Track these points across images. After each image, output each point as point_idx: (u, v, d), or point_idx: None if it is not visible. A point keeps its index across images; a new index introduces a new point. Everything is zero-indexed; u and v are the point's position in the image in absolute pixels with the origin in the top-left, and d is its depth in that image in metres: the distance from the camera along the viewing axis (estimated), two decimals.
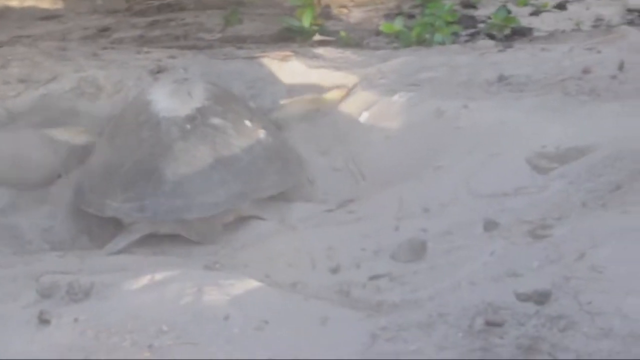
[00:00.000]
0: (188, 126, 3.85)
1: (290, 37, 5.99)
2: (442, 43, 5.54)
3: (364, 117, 4.41)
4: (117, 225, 3.82)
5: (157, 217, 3.71)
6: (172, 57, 5.21)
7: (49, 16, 6.70)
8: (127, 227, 3.78)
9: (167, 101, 3.92)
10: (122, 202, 3.73)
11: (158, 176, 3.73)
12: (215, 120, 3.92)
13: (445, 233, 3.27)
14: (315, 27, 6.01)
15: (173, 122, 3.85)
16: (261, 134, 4.07)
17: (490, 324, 2.52)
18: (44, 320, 2.64)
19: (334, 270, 3.19)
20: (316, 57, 5.07)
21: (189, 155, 3.78)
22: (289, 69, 4.95)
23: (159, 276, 2.88)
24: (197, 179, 3.75)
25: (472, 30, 5.99)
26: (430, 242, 3.22)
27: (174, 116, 3.86)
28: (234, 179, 3.82)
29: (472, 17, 6.23)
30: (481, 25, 6.11)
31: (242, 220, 3.83)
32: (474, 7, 6.44)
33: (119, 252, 3.67)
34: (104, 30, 6.38)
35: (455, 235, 3.24)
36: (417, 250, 3.20)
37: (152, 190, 3.71)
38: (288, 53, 5.12)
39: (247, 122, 4.06)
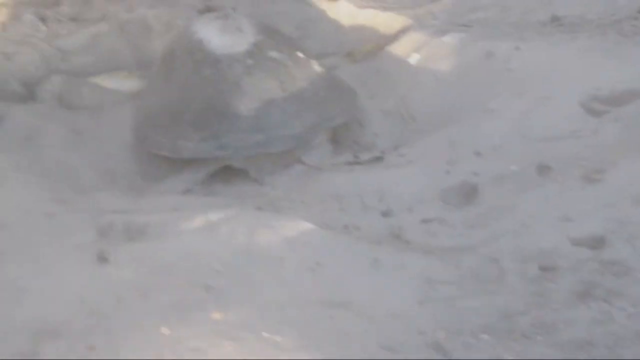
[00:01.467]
0: (249, 61, 3.85)
1: None
2: None
3: (413, 58, 4.37)
4: (171, 165, 3.84)
5: (239, 153, 3.72)
6: None
7: None
8: (189, 165, 3.80)
9: (220, 38, 3.90)
10: (198, 141, 3.72)
11: (232, 113, 3.74)
12: (273, 53, 3.91)
13: (497, 177, 3.25)
14: None
15: (234, 58, 3.84)
16: (315, 65, 4.07)
17: (543, 269, 2.52)
18: (102, 258, 2.69)
19: (385, 214, 3.20)
20: None
21: (257, 90, 3.78)
22: (338, 9, 4.91)
23: (213, 217, 2.91)
24: (272, 113, 3.75)
25: None
26: (482, 186, 3.21)
27: (233, 52, 3.86)
28: (306, 111, 3.83)
29: None
30: None
31: (291, 163, 3.85)
32: None
33: (188, 190, 3.70)
34: None
35: (507, 180, 3.22)
36: (468, 194, 3.19)
37: (228, 127, 3.72)
38: None
39: (300, 54, 4.06)
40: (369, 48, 4.58)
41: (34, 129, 4.07)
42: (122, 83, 4.52)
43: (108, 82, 4.52)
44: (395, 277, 2.62)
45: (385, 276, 2.64)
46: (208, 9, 4.70)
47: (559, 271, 2.49)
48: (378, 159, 3.75)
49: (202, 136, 3.74)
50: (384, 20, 4.74)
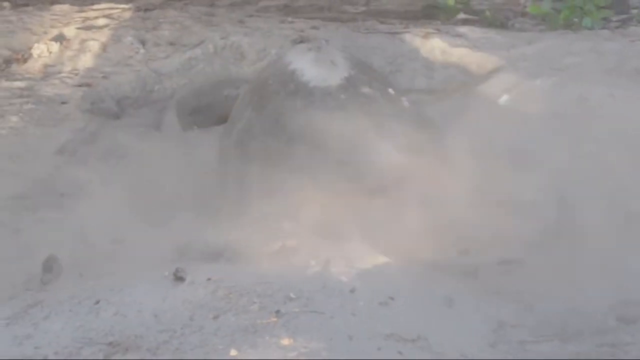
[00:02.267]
0: (342, 96, 3.89)
1: (434, 14, 5.92)
2: (591, 28, 5.37)
3: (503, 99, 4.34)
4: (254, 190, 3.88)
5: None
6: (315, 27, 5.26)
7: None
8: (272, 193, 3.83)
9: (314, 70, 3.95)
10: (287, 172, 3.78)
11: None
12: (365, 89, 3.94)
13: (582, 223, 3.19)
14: (459, 5, 5.93)
15: (327, 91, 3.88)
16: (404, 101, 4.08)
17: (621, 320, 2.46)
18: (178, 278, 2.73)
19: (463, 252, 3.17)
20: (459, 35, 5.01)
21: (349, 125, 3.82)
22: (431, 46, 4.92)
23: (289, 243, 2.93)
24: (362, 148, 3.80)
25: (624, 16, 5.77)
26: (565, 230, 3.15)
27: (327, 86, 3.90)
28: (394, 149, 3.85)
29: (625, 2, 5.99)
30: (634, 11, 5.87)
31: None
32: None
33: (265, 217, 3.74)
34: None
35: (592, 226, 3.16)
36: (549, 237, 3.14)
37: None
38: (431, 30, 5.08)
39: (390, 90, 4.08)
40: (459, 87, 4.57)
41: (125, 146, 4.19)
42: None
43: None
44: (468, 317, 2.59)
45: (458, 315, 2.61)
46: (302, 40, 4.78)
47: (638, 324, 2.42)
48: None
49: (291, 167, 3.78)
50: (476, 60, 4.72)
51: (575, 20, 5.45)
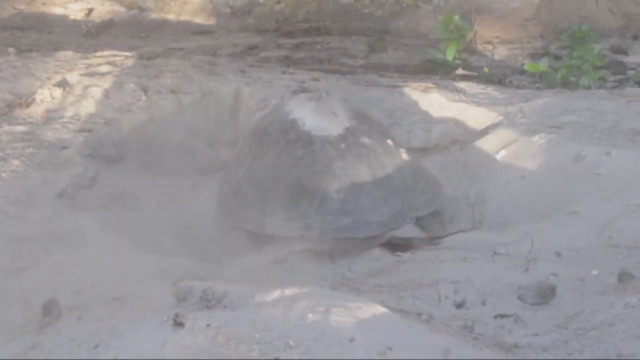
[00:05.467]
0: (343, 145, 3.93)
1: (433, 69, 6.02)
2: (588, 87, 5.46)
3: (500, 154, 4.39)
4: (253, 239, 3.91)
5: (325, 236, 3.78)
6: (316, 79, 5.34)
7: (201, 31, 6.97)
8: (272, 242, 3.85)
9: (314, 120, 4.00)
10: (285, 220, 3.81)
11: (322, 195, 3.80)
12: (365, 139, 3.99)
13: (577, 280, 3.22)
14: (458, 61, 6.03)
15: (327, 141, 3.93)
16: (403, 153, 4.13)
17: None
18: (178, 323, 2.74)
19: (459, 305, 3.18)
20: (457, 91, 5.09)
21: (348, 174, 3.85)
22: (430, 100, 4.99)
23: (288, 291, 2.94)
24: (361, 198, 3.82)
25: (620, 77, 5.87)
26: (560, 287, 3.17)
27: (327, 135, 3.95)
28: (394, 198, 3.88)
29: (622, 63, 6.10)
30: (631, 72, 5.98)
31: (372, 247, 3.87)
32: (624, 52, 6.32)
33: (266, 266, 3.76)
34: (252, 49, 6.58)
35: (587, 283, 3.18)
36: (545, 293, 3.16)
37: (317, 208, 3.78)
38: (429, 85, 5.16)
39: (389, 142, 4.13)
40: (456, 141, 4.62)
41: (123, 191, 4.22)
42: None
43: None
44: None
45: None
46: (302, 90, 4.85)
47: None
48: (463, 231, 3.76)
49: (290, 215, 3.81)
50: (474, 115, 4.79)
51: (573, 79, 5.55)
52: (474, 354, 2.72)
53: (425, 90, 5.06)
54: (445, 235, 3.88)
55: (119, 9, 7.09)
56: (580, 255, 3.44)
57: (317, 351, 2.61)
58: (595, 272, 3.26)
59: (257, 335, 2.67)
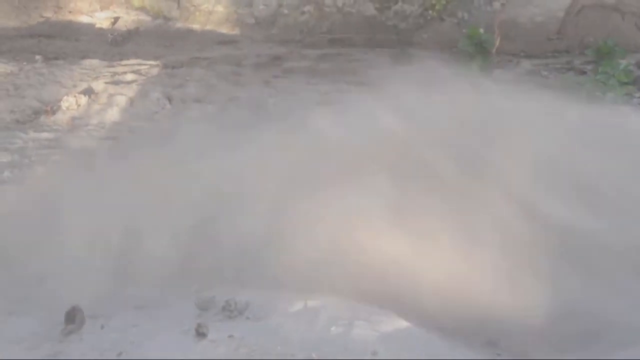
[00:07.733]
0: None
1: None
2: (614, 102, 5.42)
3: None
4: None
5: None
6: (340, 91, 5.34)
7: (226, 41, 6.98)
8: None
9: None
10: None
11: None
12: None
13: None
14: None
15: None
16: None
17: None
18: (200, 333, 2.74)
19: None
20: None
21: None
22: None
23: (312, 303, 2.93)
24: None
25: None
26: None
27: None
28: None
29: None
30: None
31: None
32: None
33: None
34: (277, 59, 6.58)
35: None
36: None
37: None
38: None
39: None
40: None
41: None
42: None
43: None
44: None
45: None
46: (325, 102, 4.84)
47: None
48: None
49: None
50: None
51: (598, 94, 5.51)
52: None
53: None
54: None
55: (145, 18, 7.11)
56: None
57: None
58: None
59: (279, 348, 2.66)
